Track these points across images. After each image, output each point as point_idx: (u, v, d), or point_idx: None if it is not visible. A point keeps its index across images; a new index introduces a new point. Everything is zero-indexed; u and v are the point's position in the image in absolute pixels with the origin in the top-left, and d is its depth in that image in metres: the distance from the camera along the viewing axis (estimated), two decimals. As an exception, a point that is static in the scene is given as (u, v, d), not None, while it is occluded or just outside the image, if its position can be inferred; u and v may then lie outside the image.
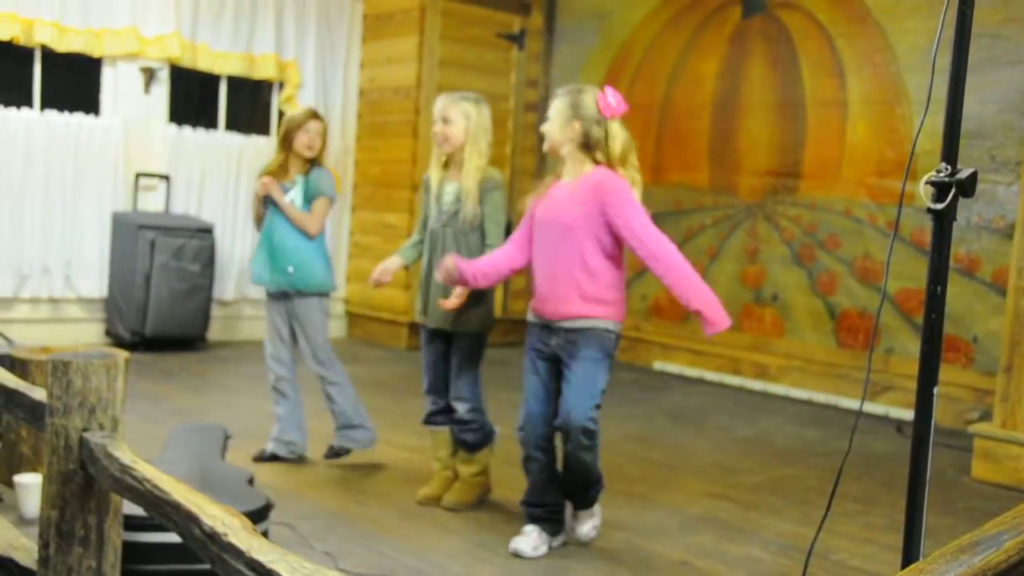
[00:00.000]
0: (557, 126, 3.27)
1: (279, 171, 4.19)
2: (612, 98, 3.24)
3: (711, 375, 6.69)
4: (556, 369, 3.29)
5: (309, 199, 4.17)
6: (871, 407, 5.76)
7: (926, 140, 2.79)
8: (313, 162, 4.19)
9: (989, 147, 5.44)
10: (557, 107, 3.28)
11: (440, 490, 3.73)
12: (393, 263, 3.85)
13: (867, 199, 6.00)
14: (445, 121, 3.63)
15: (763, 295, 6.54)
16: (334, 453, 4.17)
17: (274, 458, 4.13)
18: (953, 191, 1.70)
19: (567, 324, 3.21)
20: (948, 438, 5.02)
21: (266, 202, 4.19)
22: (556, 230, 3.23)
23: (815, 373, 6.19)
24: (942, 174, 1.72)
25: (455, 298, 3.53)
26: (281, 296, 4.18)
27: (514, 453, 4.49)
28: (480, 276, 3.39)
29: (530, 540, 3.27)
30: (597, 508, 3.42)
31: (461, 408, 3.66)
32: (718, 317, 3.10)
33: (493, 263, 3.42)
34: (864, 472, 4.47)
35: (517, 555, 3.23)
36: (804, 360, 6.27)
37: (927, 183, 1.73)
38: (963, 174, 1.70)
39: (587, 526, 3.40)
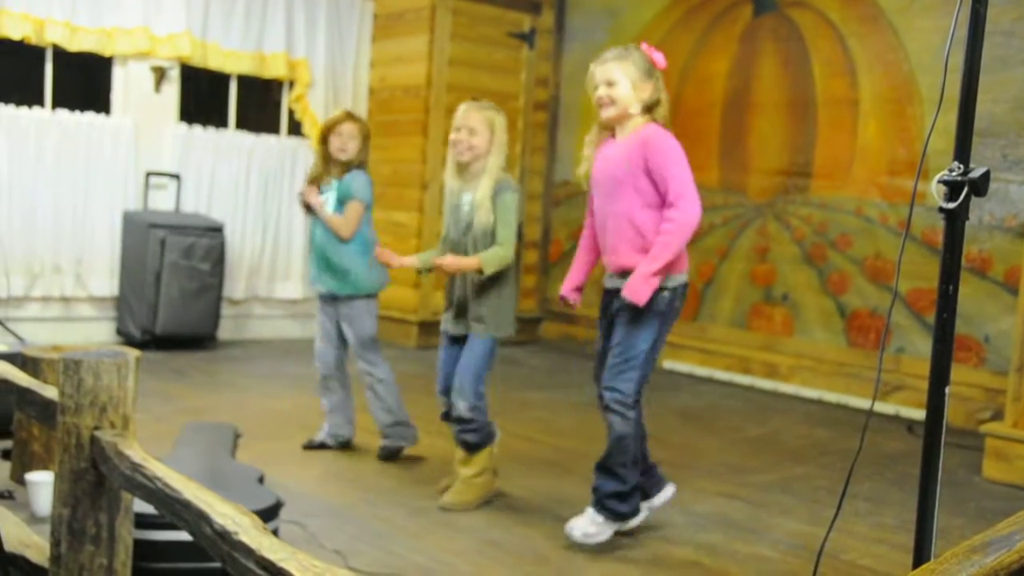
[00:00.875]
0: (629, 88, 3.21)
1: (322, 174, 4.25)
2: (658, 53, 3.27)
3: (721, 374, 6.67)
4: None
5: (342, 202, 4.20)
6: (882, 407, 5.74)
7: (938, 139, 2.79)
8: (353, 164, 4.21)
9: (1002, 146, 5.41)
10: (624, 70, 3.21)
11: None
12: (408, 260, 3.86)
13: (878, 198, 5.98)
14: (471, 131, 3.58)
15: (773, 294, 6.52)
16: (389, 453, 4.21)
17: (323, 446, 4.32)
18: (966, 190, 1.69)
19: (622, 282, 3.22)
20: (959, 438, 5.00)
21: (308, 208, 4.25)
22: (608, 186, 3.26)
23: (825, 372, 6.17)
24: (954, 173, 1.71)
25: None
26: (330, 298, 4.27)
27: (522, 450, 4.51)
28: (581, 286, 3.52)
29: (580, 525, 3.30)
30: (600, 520, 3.29)
31: (462, 406, 3.65)
32: (639, 288, 3.09)
33: (581, 266, 3.51)
34: (875, 472, 4.46)
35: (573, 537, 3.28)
36: (814, 359, 6.25)
37: (939, 182, 1.72)
38: (976, 173, 1.69)
39: (581, 523, 3.29)
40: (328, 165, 4.25)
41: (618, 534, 3.39)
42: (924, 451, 1.78)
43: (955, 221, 1.71)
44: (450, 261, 3.56)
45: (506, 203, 3.60)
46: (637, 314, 3.21)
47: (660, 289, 3.19)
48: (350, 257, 4.21)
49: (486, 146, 3.60)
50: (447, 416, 3.79)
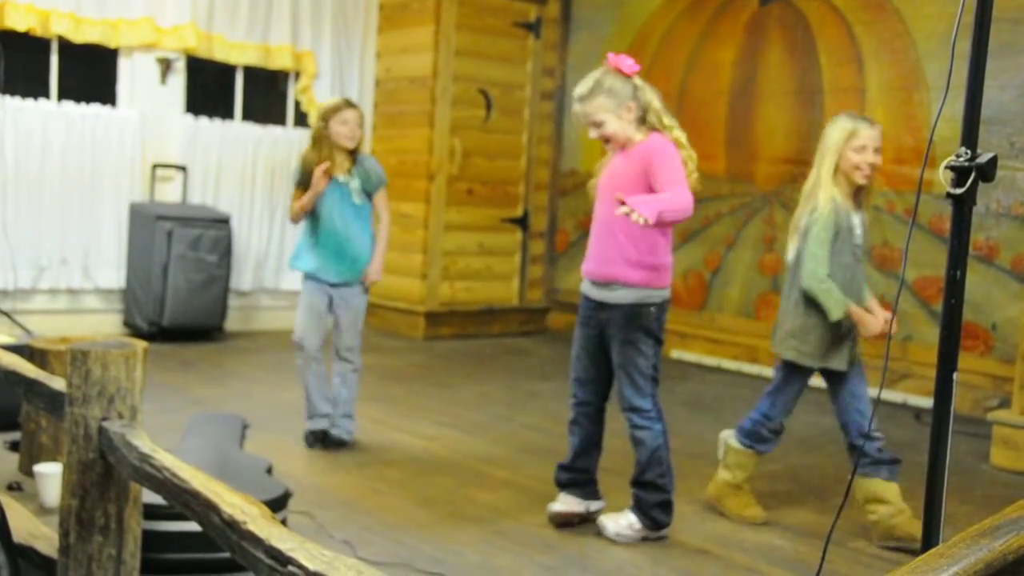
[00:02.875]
0: (614, 119, 3.26)
1: (321, 161, 4.10)
2: (625, 60, 3.28)
3: (729, 363, 6.67)
4: (602, 341, 3.37)
5: (370, 191, 4.18)
6: (889, 395, 5.73)
7: (945, 127, 2.78)
8: (355, 152, 4.18)
9: (1009, 133, 5.39)
10: (598, 105, 3.25)
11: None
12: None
13: (885, 186, 5.96)
14: (877, 151, 3.51)
15: (780, 283, 6.50)
16: (334, 442, 4.19)
17: (326, 436, 4.23)
18: (973, 176, 1.68)
19: (608, 295, 3.29)
20: (966, 426, 4.99)
21: (307, 188, 4.12)
22: (608, 195, 3.28)
23: (833, 361, 6.15)
24: (962, 159, 1.70)
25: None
26: (335, 284, 4.18)
27: (531, 440, 4.51)
28: None
29: (560, 503, 3.41)
30: (638, 526, 3.31)
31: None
32: (643, 206, 2.98)
33: None
34: (882, 460, 4.44)
35: (551, 512, 3.39)
36: (822, 348, 6.23)
37: (947, 167, 1.71)
38: (983, 158, 1.68)
39: (614, 524, 3.33)
40: (331, 153, 4.13)
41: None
42: (932, 436, 1.78)
43: (963, 207, 1.70)
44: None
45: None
46: (629, 335, 3.28)
47: (648, 307, 3.27)
48: (367, 243, 4.21)
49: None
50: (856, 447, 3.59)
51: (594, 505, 3.48)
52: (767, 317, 6.56)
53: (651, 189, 3.21)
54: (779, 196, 6.50)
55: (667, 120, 3.32)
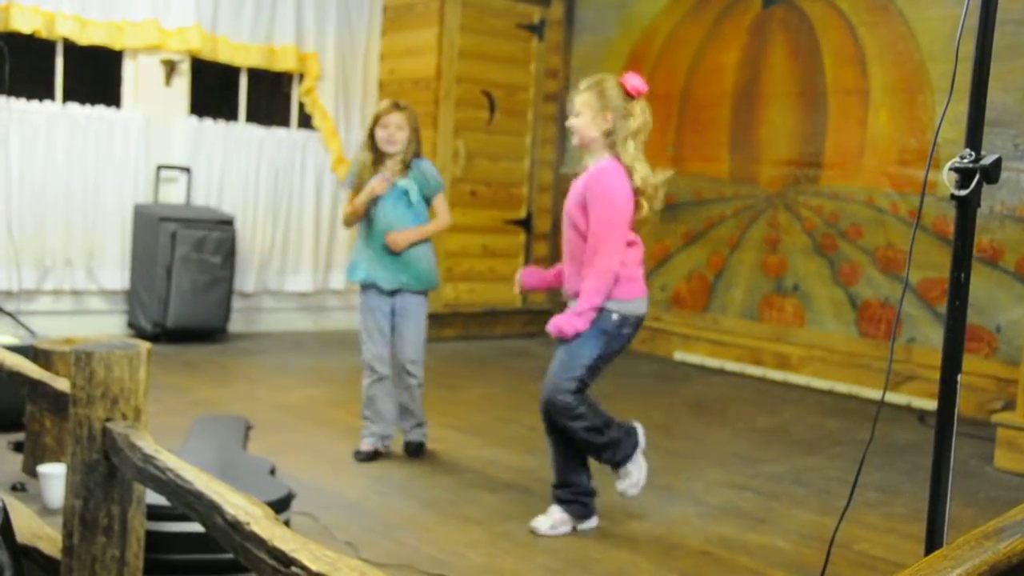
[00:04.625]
0: (588, 119, 3.31)
1: (375, 170, 4.04)
2: (635, 79, 3.32)
3: (732, 365, 6.66)
4: None
5: (428, 195, 4.08)
6: (893, 397, 5.72)
7: (949, 129, 2.77)
8: (412, 156, 4.05)
9: (1013, 135, 5.38)
10: (585, 100, 3.31)
11: None
12: None
13: (889, 188, 5.96)
14: None
15: (784, 285, 6.50)
16: (417, 448, 4.19)
17: (377, 454, 4.13)
18: (977, 177, 1.68)
19: (573, 304, 3.35)
20: (971, 428, 4.98)
21: (372, 201, 4.03)
22: (568, 216, 3.37)
23: (836, 363, 6.16)
24: (966, 160, 1.70)
25: None
26: (388, 293, 4.09)
27: (534, 442, 4.51)
28: (540, 285, 3.65)
29: (548, 519, 3.36)
30: (633, 467, 3.40)
31: None
32: (562, 324, 3.26)
33: (555, 273, 3.58)
34: (886, 462, 4.45)
35: (533, 532, 3.31)
36: (825, 350, 6.24)
37: (951, 169, 1.71)
38: (987, 160, 1.68)
39: (623, 483, 3.42)
40: (382, 161, 4.04)
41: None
42: (936, 438, 1.78)
43: (967, 208, 1.70)
44: None
45: None
46: (585, 332, 3.29)
47: (608, 311, 3.29)
48: (425, 248, 4.09)
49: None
50: None
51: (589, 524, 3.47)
52: (770, 319, 6.56)
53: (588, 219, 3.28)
54: (783, 198, 6.50)
55: (632, 151, 3.29)
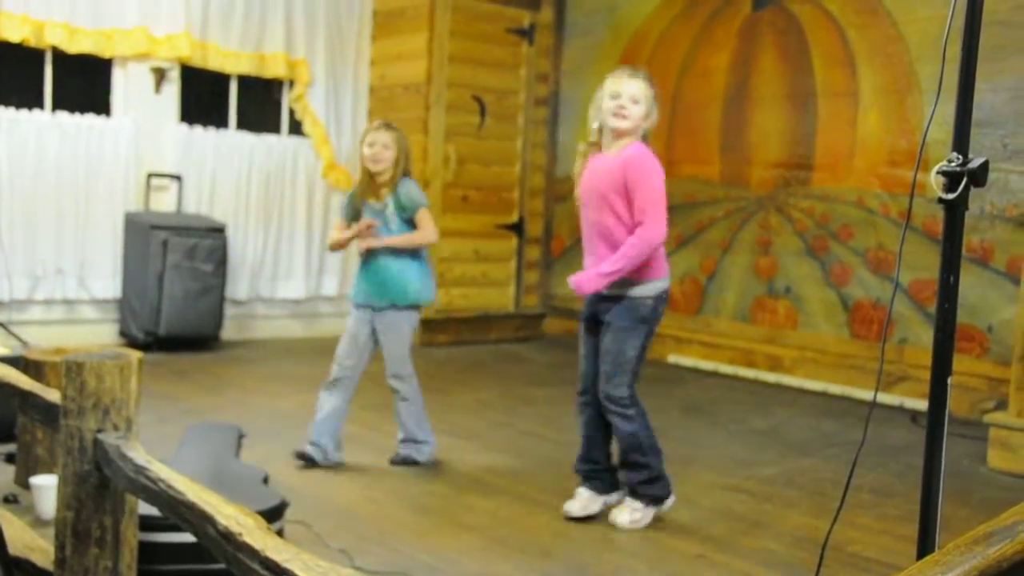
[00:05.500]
0: (644, 112, 3.43)
1: (367, 190, 4.09)
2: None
3: (725, 368, 6.67)
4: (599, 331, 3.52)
5: (407, 216, 4.08)
6: (886, 398, 5.73)
7: (938, 130, 2.78)
8: (399, 175, 4.06)
9: (1001, 135, 5.40)
10: (644, 91, 3.44)
11: None
12: None
13: (880, 189, 5.97)
14: None
15: (776, 287, 6.52)
16: (400, 460, 4.16)
17: (312, 461, 4.06)
18: (965, 181, 1.68)
19: (604, 291, 3.42)
20: (963, 428, 5.00)
21: (356, 219, 4.11)
22: (594, 199, 3.45)
23: (829, 364, 6.17)
24: (953, 164, 1.71)
25: None
26: (370, 307, 4.11)
27: (528, 447, 4.51)
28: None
29: (578, 501, 3.51)
30: (644, 510, 3.47)
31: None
32: (584, 282, 3.37)
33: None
34: (879, 463, 4.45)
35: (568, 516, 3.47)
36: (818, 351, 6.25)
37: (938, 173, 1.72)
38: (974, 163, 1.69)
39: (623, 515, 3.46)
40: (371, 182, 4.08)
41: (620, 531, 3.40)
42: (927, 441, 1.78)
43: (955, 212, 1.71)
44: None
45: None
46: (624, 323, 3.42)
47: (644, 298, 3.41)
48: (404, 267, 4.09)
49: None
50: None
51: (613, 497, 3.60)
52: (763, 321, 6.57)
53: (630, 200, 3.36)
54: (774, 200, 6.51)
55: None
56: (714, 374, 6.66)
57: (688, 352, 6.94)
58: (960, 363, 5.49)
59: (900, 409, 5.62)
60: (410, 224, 4.10)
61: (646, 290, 3.42)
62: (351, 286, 4.25)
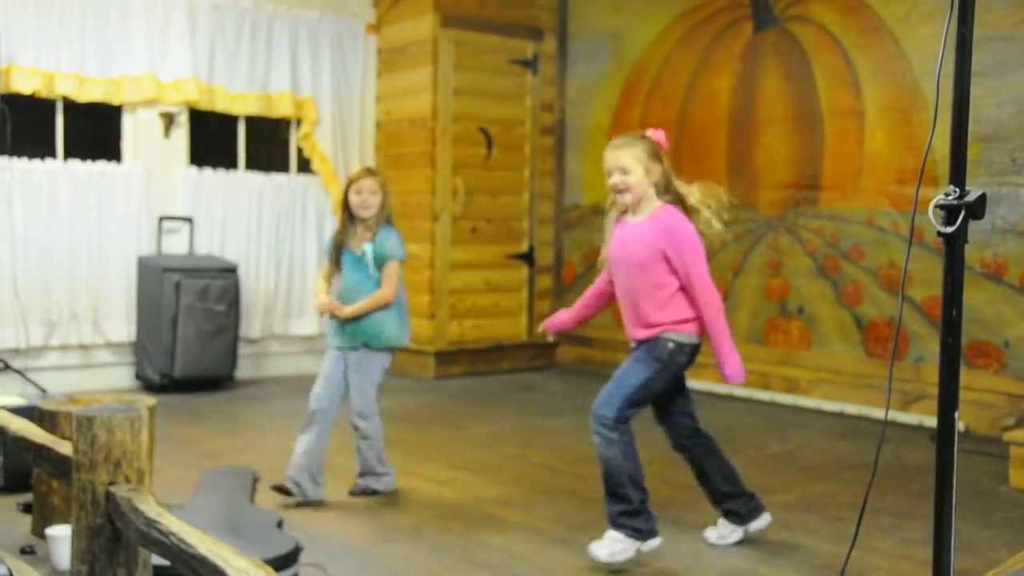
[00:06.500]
0: (642, 174, 3.43)
1: (347, 236, 4.17)
2: (659, 135, 3.52)
3: (740, 391, 6.64)
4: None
5: (379, 264, 4.13)
6: (904, 417, 5.69)
7: (943, 146, 2.76)
8: (381, 219, 4.13)
9: (1009, 149, 5.38)
10: (635, 155, 3.43)
11: None
12: None
13: (889, 208, 5.96)
14: None
15: (788, 308, 6.49)
16: (360, 491, 4.20)
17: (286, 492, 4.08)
18: (963, 214, 1.68)
19: (645, 337, 3.51)
20: (984, 445, 4.95)
21: (339, 264, 4.21)
22: (628, 267, 3.48)
23: (845, 384, 6.13)
24: (950, 197, 1.70)
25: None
26: (345, 349, 4.17)
27: (542, 479, 4.48)
28: (568, 326, 3.81)
29: (604, 545, 3.37)
30: (622, 543, 3.35)
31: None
32: (735, 369, 3.45)
33: (580, 311, 3.80)
34: (899, 485, 4.41)
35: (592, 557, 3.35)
36: (833, 372, 6.21)
37: (936, 207, 1.72)
38: (971, 196, 1.68)
39: (602, 548, 3.35)
40: (353, 225, 4.16)
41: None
42: (937, 483, 1.76)
43: (954, 245, 1.70)
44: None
45: None
46: (641, 355, 3.47)
47: (668, 341, 3.44)
48: (388, 312, 4.14)
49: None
50: None
51: (754, 525, 3.64)
52: (776, 343, 6.54)
53: (669, 262, 3.41)
54: (783, 221, 6.50)
55: (684, 190, 3.53)
56: (730, 398, 6.63)
57: (703, 376, 6.89)
58: (978, 380, 5.47)
59: (919, 428, 5.57)
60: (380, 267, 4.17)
61: (673, 335, 3.45)
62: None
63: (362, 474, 4.23)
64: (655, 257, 3.41)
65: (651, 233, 3.43)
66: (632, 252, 3.46)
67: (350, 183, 4.15)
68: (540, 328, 3.90)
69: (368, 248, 4.13)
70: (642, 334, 3.47)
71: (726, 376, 3.47)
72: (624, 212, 3.54)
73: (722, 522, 3.66)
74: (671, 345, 3.43)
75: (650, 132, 3.52)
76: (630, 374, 3.44)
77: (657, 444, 4.97)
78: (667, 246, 3.40)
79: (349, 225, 4.19)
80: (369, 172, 4.16)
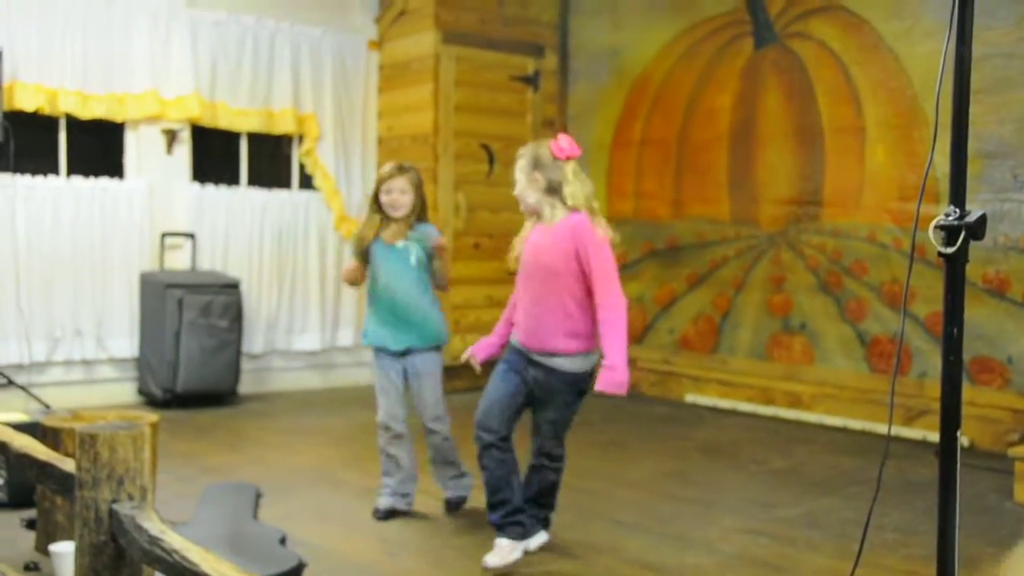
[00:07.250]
0: (524, 183, 3.56)
1: (382, 231, 4.06)
2: (564, 142, 3.56)
3: (744, 406, 6.64)
4: (526, 389, 3.59)
5: (429, 255, 4.05)
6: (908, 432, 5.68)
7: (945, 163, 2.76)
8: (415, 218, 4.05)
9: (1011, 166, 5.39)
10: (519, 166, 3.58)
11: None
12: None
13: (891, 224, 5.97)
14: None
15: (791, 323, 6.49)
16: (456, 504, 4.22)
17: (395, 512, 4.12)
18: (963, 235, 1.68)
19: (545, 361, 3.50)
20: (988, 461, 4.94)
21: (366, 259, 4.09)
22: (538, 272, 3.52)
23: (848, 400, 6.13)
24: (951, 217, 1.71)
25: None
26: (399, 353, 4.10)
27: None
28: (494, 353, 3.82)
29: (498, 553, 3.51)
30: (507, 544, 3.53)
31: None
32: (616, 379, 3.36)
33: (502, 333, 3.80)
34: (903, 500, 4.41)
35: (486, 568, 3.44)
36: (836, 387, 6.21)
37: (936, 227, 1.72)
38: (972, 217, 1.69)
39: (493, 555, 3.51)
40: (386, 224, 4.05)
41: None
42: (941, 499, 1.76)
43: (955, 265, 1.70)
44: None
45: None
46: (568, 396, 3.55)
47: (583, 372, 3.53)
48: (428, 307, 4.09)
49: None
50: None
51: (533, 542, 3.67)
52: (779, 358, 6.54)
53: (581, 267, 3.44)
54: (785, 237, 6.51)
55: (595, 205, 3.57)
56: (733, 413, 6.63)
57: (706, 391, 6.91)
58: (982, 395, 5.46)
59: (923, 443, 5.57)
60: (429, 261, 4.09)
61: (585, 364, 3.53)
62: (367, 335, 4.18)
63: (459, 475, 4.22)
64: (566, 260, 3.45)
65: (559, 235, 3.48)
66: (544, 257, 3.50)
67: (380, 182, 4.03)
68: (465, 356, 3.80)
69: (413, 245, 4.03)
70: (550, 344, 3.50)
71: (602, 382, 3.37)
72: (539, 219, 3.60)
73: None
74: (585, 375, 3.53)
75: (557, 138, 3.59)
76: (567, 416, 3.60)
77: (661, 459, 4.96)
78: (578, 245, 3.44)
79: (379, 222, 4.06)
80: (400, 170, 4.01)
